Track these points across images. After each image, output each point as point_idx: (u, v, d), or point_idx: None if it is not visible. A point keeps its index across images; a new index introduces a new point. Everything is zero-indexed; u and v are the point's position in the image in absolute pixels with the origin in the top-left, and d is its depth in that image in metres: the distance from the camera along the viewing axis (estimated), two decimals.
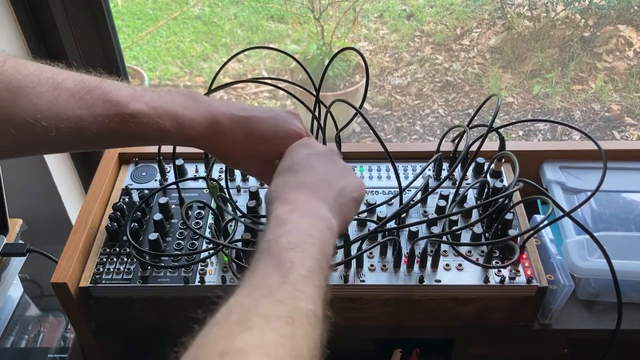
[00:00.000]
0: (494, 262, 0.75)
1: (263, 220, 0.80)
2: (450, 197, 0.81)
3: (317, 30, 2.21)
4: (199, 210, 0.83)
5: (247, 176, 0.88)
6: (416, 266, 0.75)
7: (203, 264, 0.76)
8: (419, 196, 0.82)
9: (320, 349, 0.43)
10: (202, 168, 0.90)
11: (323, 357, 0.45)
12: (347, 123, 0.85)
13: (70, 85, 0.55)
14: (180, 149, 0.84)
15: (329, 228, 0.54)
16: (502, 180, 0.86)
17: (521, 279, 0.74)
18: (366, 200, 0.81)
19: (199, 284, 0.74)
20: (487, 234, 0.78)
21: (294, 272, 0.47)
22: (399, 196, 0.78)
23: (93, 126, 0.55)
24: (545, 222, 0.70)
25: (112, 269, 0.76)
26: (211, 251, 0.76)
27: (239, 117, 0.62)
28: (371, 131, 0.76)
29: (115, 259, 0.78)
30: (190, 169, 0.90)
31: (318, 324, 0.45)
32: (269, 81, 0.84)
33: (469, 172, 0.88)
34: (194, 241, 0.79)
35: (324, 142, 0.84)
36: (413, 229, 0.76)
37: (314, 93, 0.82)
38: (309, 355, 0.41)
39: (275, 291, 0.44)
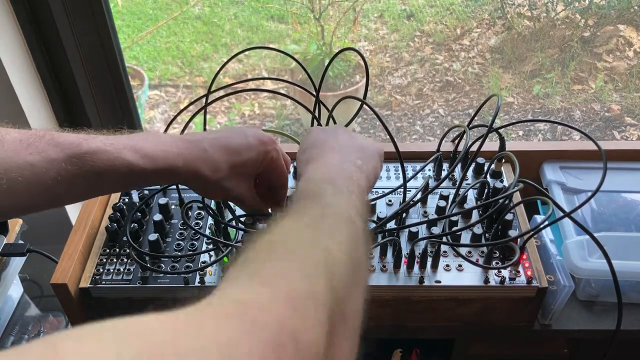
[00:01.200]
0: (494, 263, 0.75)
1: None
2: (451, 197, 0.81)
3: (317, 30, 2.21)
4: (199, 211, 0.83)
5: None
6: (416, 267, 0.75)
7: (203, 264, 0.76)
8: (419, 196, 0.82)
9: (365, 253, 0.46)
10: None
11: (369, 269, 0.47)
12: (352, 118, 0.85)
13: (16, 135, 0.52)
14: None
15: (357, 167, 0.56)
16: (502, 181, 0.86)
17: (521, 280, 0.74)
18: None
19: (199, 284, 0.74)
20: (487, 235, 0.78)
21: (325, 196, 0.49)
22: (398, 197, 0.78)
23: (50, 172, 0.52)
24: (546, 222, 0.70)
25: (112, 270, 0.76)
26: (212, 253, 0.76)
27: (209, 138, 0.61)
28: (372, 131, 0.76)
29: (115, 260, 0.78)
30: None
31: (354, 227, 0.46)
32: (269, 82, 0.84)
33: (469, 173, 0.88)
34: (194, 242, 0.79)
35: None
36: (413, 229, 0.76)
37: (314, 93, 0.82)
38: (351, 248, 0.42)
39: (309, 210, 0.46)
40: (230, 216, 0.80)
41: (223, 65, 0.82)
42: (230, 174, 0.62)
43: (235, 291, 0.32)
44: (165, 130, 0.87)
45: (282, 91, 0.91)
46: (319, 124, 0.82)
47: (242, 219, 0.79)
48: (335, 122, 0.83)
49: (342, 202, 0.48)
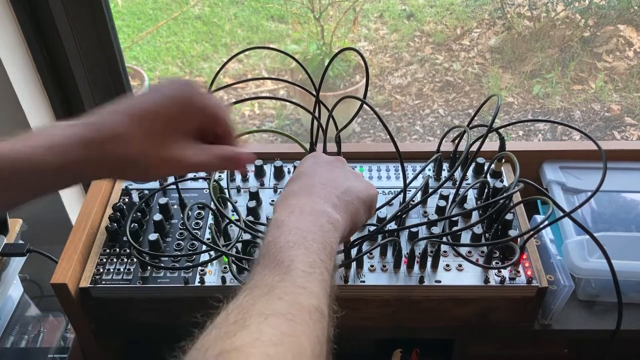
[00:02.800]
0: (494, 263, 0.75)
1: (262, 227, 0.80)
2: (451, 197, 0.81)
3: (317, 30, 2.21)
4: (199, 211, 0.83)
5: (248, 177, 0.88)
6: (416, 267, 0.75)
7: (203, 264, 0.76)
8: (419, 196, 0.82)
9: (325, 344, 0.42)
10: None
11: (330, 352, 0.43)
12: (352, 118, 0.85)
13: None
14: None
15: (331, 223, 0.53)
16: (502, 181, 0.86)
17: (521, 280, 0.74)
18: None
19: (199, 284, 0.74)
20: (487, 235, 0.78)
21: (294, 269, 0.45)
22: (399, 196, 0.78)
23: None
24: (546, 222, 0.70)
25: (112, 270, 0.76)
26: (212, 252, 0.76)
27: (112, 109, 0.49)
28: (372, 131, 0.76)
29: (115, 260, 0.78)
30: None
31: (321, 320, 0.43)
32: (270, 82, 0.84)
33: (469, 173, 0.88)
34: (194, 242, 0.79)
35: (325, 143, 0.84)
36: (413, 229, 0.76)
37: (314, 93, 0.82)
38: (311, 351, 0.39)
39: (275, 289, 0.43)
40: (229, 216, 0.80)
41: (223, 65, 0.82)
42: (155, 142, 0.49)
43: None
44: None
45: (282, 91, 0.91)
46: (319, 124, 0.82)
47: (242, 220, 0.79)
48: (335, 122, 0.83)
49: (312, 285, 0.45)
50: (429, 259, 0.75)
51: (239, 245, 0.76)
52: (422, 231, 0.79)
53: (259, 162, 0.88)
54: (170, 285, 0.74)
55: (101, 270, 0.76)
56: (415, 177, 0.84)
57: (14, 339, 0.98)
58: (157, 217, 0.79)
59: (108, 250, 0.79)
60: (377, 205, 0.81)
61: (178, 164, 0.51)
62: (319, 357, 0.41)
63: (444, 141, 0.89)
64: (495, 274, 0.74)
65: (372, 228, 0.77)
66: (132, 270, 0.76)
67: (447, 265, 0.75)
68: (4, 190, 0.47)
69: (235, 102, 0.76)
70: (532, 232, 0.75)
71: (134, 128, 0.48)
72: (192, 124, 0.51)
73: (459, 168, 0.88)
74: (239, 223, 0.78)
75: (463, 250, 0.76)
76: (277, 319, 0.40)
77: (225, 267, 0.76)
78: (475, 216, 0.82)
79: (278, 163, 0.88)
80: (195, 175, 0.89)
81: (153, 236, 0.76)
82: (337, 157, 0.66)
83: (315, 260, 0.47)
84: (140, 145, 0.49)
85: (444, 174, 0.87)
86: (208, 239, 0.79)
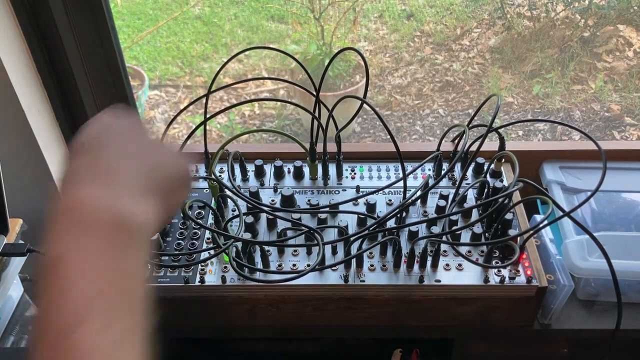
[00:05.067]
0: (493, 262, 0.75)
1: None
2: (450, 197, 0.81)
3: (317, 30, 2.21)
4: (199, 210, 0.83)
5: (247, 176, 0.88)
6: (416, 266, 0.75)
7: (203, 264, 0.76)
8: (418, 195, 0.82)
9: None
10: (202, 168, 0.90)
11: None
12: (352, 118, 0.85)
13: None
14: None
15: (136, 233, 0.37)
16: (502, 180, 0.86)
17: (521, 279, 0.74)
18: (366, 200, 0.81)
19: (199, 284, 0.74)
20: (487, 234, 0.78)
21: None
22: (398, 196, 0.78)
23: None
24: (545, 222, 0.70)
25: None
26: (211, 252, 0.76)
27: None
28: (372, 131, 0.76)
29: None
30: (190, 169, 0.90)
31: None
32: (270, 82, 0.84)
33: (469, 172, 0.88)
34: (194, 241, 0.79)
35: (325, 143, 0.84)
36: (413, 228, 0.76)
37: (314, 93, 0.82)
38: None
39: None
40: (229, 215, 0.80)
41: (223, 65, 0.82)
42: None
43: None
44: (165, 130, 0.87)
45: (282, 91, 0.91)
46: (319, 124, 0.82)
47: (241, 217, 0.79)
48: (335, 122, 0.83)
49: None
50: (429, 259, 0.75)
51: (239, 244, 0.76)
52: (422, 231, 0.79)
53: (259, 162, 0.88)
54: (170, 284, 0.74)
55: None
56: (413, 171, 0.84)
57: (14, 339, 0.98)
58: None
59: None
60: (378, 208, 0.82)
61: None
62: None
63: (443, 141, 0.89)
64: (495, 274, 0.74)
65: (372, 226, 0.77)
66: None
67: (447, 265, 0.75)
68: None
69: (236, 105, 0.76)
70: (531, 231, 0.75)
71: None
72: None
73: (458, 167, 0.88)
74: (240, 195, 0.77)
75: (463, 250, 0.76)
76: None
77: (225, 267, 0.76)
78: (475, 215, 0.82)
79: (278, 163, 0.88)
80: (195, 175, 0.89)
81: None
82: (133, 121, 0.46)
83: (116, 339, 0.33)
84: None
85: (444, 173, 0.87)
86: (208, 239, 0.79)
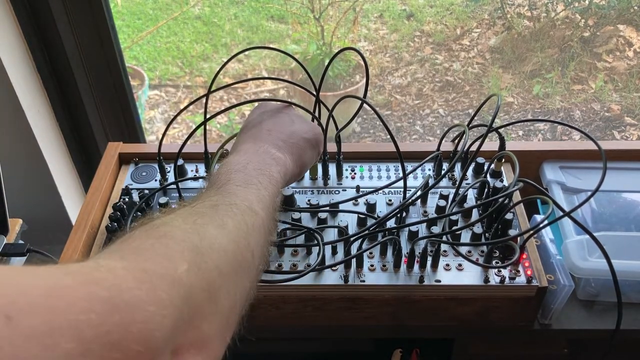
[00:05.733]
0: (494, 262, 0.75)
1: None
2: (450, 197, 0.81)
3: (317, 30, 2.21)
4: None
5: None
6: (416, 266, 0.75)
7: None
8: (418, 195, 0.82)
9: (256, 237, 0.45)
10: (202, 168, 0.90)
11: (267, 256, 0.48)
12: (352, 117, 0.85)
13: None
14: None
15: (273, 159, 0.58)
16: (502, 180, 0.86)
17: (521, 279, 0.74)
18: (366, 200, 0.81)
19: None
20: (487, 234, 0.78)
21: (229, 184, 0.50)
22: (398, 196, 0.78)
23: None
24: (545, 222, 0.70)
25: None
26: None
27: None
28: (372, 131, 0.76)
29: None
30: (191, 169, 0.90)
31: (252, 215, 0.46)
32: (270, 82, 0.84)
33: (469, 172, 0.88)
34: None
35: (325, 143, 0.84)
36: (413, 228, 0.76)
37: (314, 93, 0.82)
38: (239, 236, 0.43)
39: (207, 198, 0.47)
40: None
41: (223, 65, 0.82)
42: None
43: (100, 259, 0.35)
44: (165, 130, 0.87)
45: (282, 91, 0.91)
46: (319, 124, 0.82)
47: None
48: (335, 122, 0.83)
49: (245, 193, 0.49)
50: (429, 259, 0.75)
51: None
52: (422, 230, 0.79)
53: None
54: None
55: None
56: (413, 170, 0.84)
57: None
58: None
59: None
60: (378, 208, 0.82)
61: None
62: (243, 243, 0.43)
63: (443, 141, 0.89)
64: (495, 274, 0.74)
65: (371, 226, 0.77)
66: None
67: (447, 265, 0.75)
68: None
69: (236, 105, 0.76)
70: (532, 231, 0.75)
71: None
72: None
73: (459, 167, 0.88)
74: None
75: (463, 250, 0.76)
76: (206, 209, 0.45)
77: None
78: (475, 215, 0.82)
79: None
80: (195, 175, 0.89)
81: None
82: (284, 104, 0.71)
83: (251, 181, 0.52)
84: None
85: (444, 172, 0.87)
86: None
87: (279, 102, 0.71)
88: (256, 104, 0.75)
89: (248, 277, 0.43)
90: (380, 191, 0.85)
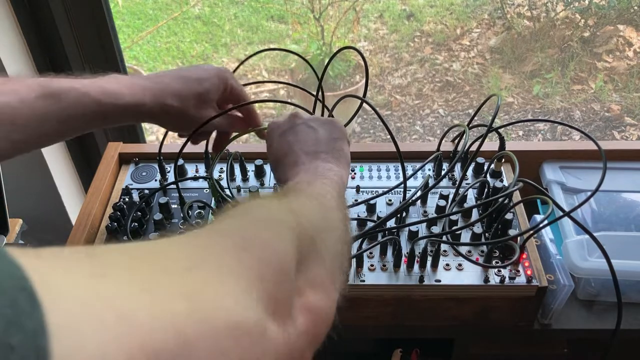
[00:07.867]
0: (494, 262, 0.75)
1: None
2: (450, 196, 0.81)
3: (317, 30, 2.21)
4: (199, 210, 0.83)
5: (247, 176, 0.88)
6: (416, 266, 0.75)
7: None
8: (418, 195, 0.82)
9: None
10: (202, 168, 0.90)
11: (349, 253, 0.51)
12: (352, 117, 0.85)
13: None
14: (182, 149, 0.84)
15: (329, 168, 0.60)
16: (502, 180, 0.86)
17: (521, 279, 0.74)
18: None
19: None
20: (487, 234, 0.78)
21: (317, 181, 0.55)
22: (398, 196, 0.78)
23: (23, 110, 0.55)
24: (545, 222, 0.70)
25: None
26: None
27: (170, 74, 0.67)
28: (372, 131, 0.76)
29: None
30: (191, 169, 0.90)
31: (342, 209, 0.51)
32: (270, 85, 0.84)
33: (469, 172, 0.88)
34: None
35: None
36: (413, 228, 0.76)
37: (314, 94, 0.82)
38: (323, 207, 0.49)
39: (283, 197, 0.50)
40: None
41: (238, 66, 0.82)
42: (195, 103, 0.67)
43: (214, 223, 0.39)
44: (166, 131, 0.87)
45: (282, 91, 0.91)
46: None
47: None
48: None
49: (320, 190, 0.53)
50: (429, 259, 0.75)
51: None
52: (422, 230, 0.79)
53: (259, 161, 0.88)
54: None
55: None
56: (414, 173, 0.84)
57: None
58: (158, 216, 0.79)
59: None
60: (378, 208, 0.82)
61: (198, 122, 0.69)
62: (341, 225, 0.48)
63: (443, 141, 0.89)
64: (495, 274, 0.74)
65: (371, 226, 0.77)
66: None
67: (447, 265, 0.75)
68: (67, 122, 0.58)
69: (236, 107, 0.76)
70: (532, 231, 0.75)
71: (184, 90, 0.66)
72: (221, 97, 0.70)
73: (459, 167, 0.88)
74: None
75: (463, 250, 0.76)
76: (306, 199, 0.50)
77: None
78: (475, 215, 0.82)
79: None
80: (195, 175, 0.89)
81: (153, 236, 0.76)
82: (293, 114, 0.68)
83: (326, 187, 0.55)
84: (186, 102, 0.66)
85: (444, 173, 0.87)
86: None
87: (286, 116, 0.69)
88: (256, 104, 0.75)
89: (339, 232, 0.47)
90: (380, 191, 0.85)
